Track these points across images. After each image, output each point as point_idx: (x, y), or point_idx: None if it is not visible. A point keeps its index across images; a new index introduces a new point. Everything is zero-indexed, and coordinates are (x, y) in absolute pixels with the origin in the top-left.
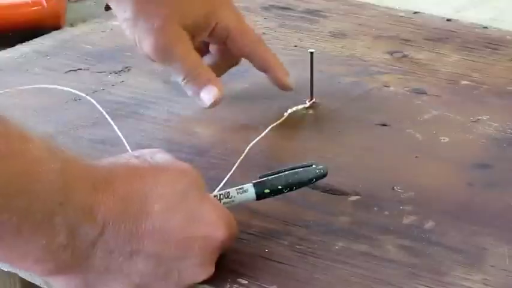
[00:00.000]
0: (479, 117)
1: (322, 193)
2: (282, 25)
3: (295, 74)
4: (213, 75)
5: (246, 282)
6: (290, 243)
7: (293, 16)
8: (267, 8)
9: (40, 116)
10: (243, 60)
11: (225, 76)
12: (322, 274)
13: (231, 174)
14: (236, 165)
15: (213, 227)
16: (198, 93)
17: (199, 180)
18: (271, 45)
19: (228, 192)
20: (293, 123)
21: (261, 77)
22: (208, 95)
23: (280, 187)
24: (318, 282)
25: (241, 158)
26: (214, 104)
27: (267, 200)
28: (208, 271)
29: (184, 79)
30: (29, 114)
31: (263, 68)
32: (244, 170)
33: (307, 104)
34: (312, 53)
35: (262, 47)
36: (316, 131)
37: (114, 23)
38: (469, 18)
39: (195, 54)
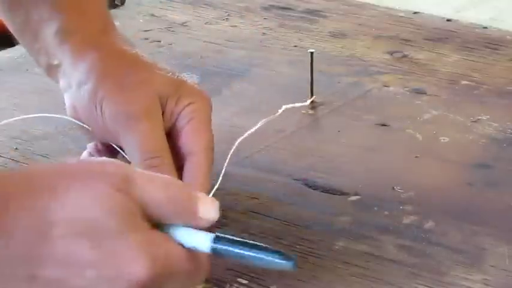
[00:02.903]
0: (479, 117)
1: (322, 193)
2: (282, 25)
3: (295, 74)
4: (174, 171)
5: (246, 282)
6: (290, 243)
7: (293, 16)
8: (267, 8)
9: (40, 116)
10: (243, 60)
11: (225, 76)
12: (322, 274)
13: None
14: (227, 160)
15: (127, 264)
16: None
17: (129, 207)
18: (271, 45)
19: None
20: (293, 123)
21: (261, 77)
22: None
23: (235, 257)
24: (318, 282)
25: (232, 151)
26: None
27: (267, 200)
28: None
29: (139, 163)
30: (29, 114)
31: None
32: (244, 169)
33: (307, 102)
34: (312, 53)
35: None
36: (316, 131)
37: (115, 23)
38: (469, 18)
39: (162, 137)
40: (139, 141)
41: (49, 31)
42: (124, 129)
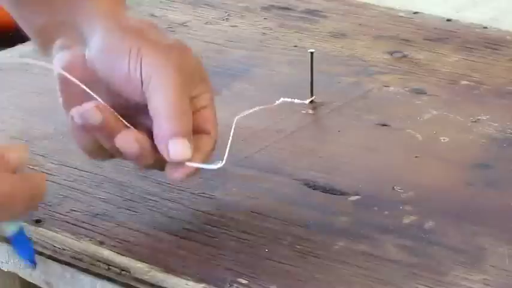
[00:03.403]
0: (479, 117)
1: (322, 193)
2: (282, 25)
3: (295, 74)
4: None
5: (246, 282)
6: (290, 243)
7: (293, 16)
8: (267, 8)
9: (40, 116)
10: (243, 60)
11: (225, 76)
12: (322, 274)
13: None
14: (229, 144)
15: None
16: (165, 140)
17: None
18: (271, 46)
19: None
20: (293, 123)
21: (261, 77)
22: (176, 149)
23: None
24: (318, 282)
25: (232, 133)
26: (178, 160)
27: (267, 200)
28: None
29: (164, 114)
30: (29, 114)
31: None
32: (244, 169)
33: (306, 101)
34: (312, 53)
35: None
36: (316, 131)
37: None
38: (469, 18)
39: (188, 98)
40: (171, 90)
41: None
42: (160, 76)
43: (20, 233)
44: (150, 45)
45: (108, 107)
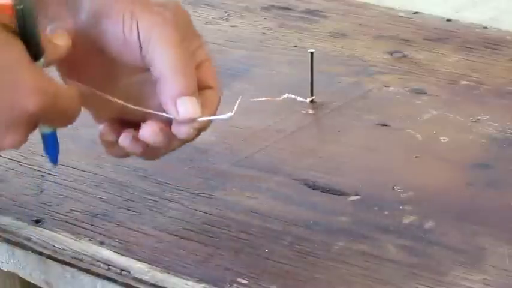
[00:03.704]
0: (479, 117)
1: (322, 193)
2: (282, 25)
3: (295, 74)
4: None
5: (246, 282)
6: (290, 243)
7: (293, 16)
8: (267, 8)
9: None
10: (243, 60)
11: (225, 76)
12: (322, 274)
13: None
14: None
15: (22, 94)
16: (173, 100)
17: (15, 43)
18: (271, 46)
19: None
20: (293, 123)
21: (261, 77)
22: (186, 107)
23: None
24: (318, 282)
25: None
26: (189, 121)
27: (267, 200)
28: (8, 141)
29: (170, 73)
30: None
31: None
32: (244, 169)
33: (307, 100)
34: (312, 53)
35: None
36: (316, 130)
37: None
38: (469, 18)
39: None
40: (173, 50)
41: None
42: (160, 37)
43: (53, 133)
44: (142, 7)
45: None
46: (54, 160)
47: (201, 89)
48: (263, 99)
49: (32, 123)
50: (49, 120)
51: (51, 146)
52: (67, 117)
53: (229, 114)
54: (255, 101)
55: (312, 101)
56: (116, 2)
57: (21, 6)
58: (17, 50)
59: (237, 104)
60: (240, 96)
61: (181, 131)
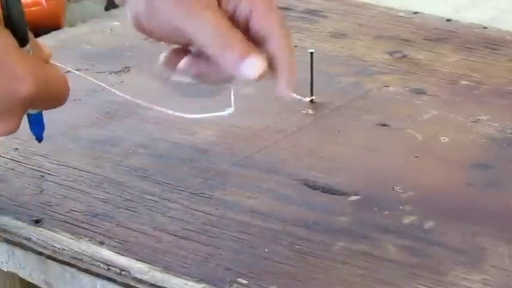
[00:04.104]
0: (479, 117)
1: (322, 193)
2: None
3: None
4: (252, 45)
5: (246, 282)
6: (290, 243)
7: (293, 16)
8: None
9: None
10: None
11: None
12: (322, 274)
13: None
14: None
15: (14, 79)
16: (237, 66)
17: (1, 30)
18: None
19: None
20: (293, 123)
21: None
22: (251, 68)
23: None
24: (318, 282)
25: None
26: (259, 78)
27: (267, 200)
28: (2, 128)
29: (217, 48)
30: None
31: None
32: (244, 169)
33: (307, 99)
34: (312, 53)
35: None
36: (316, 130)
37: (114, 23)
38: (469, 18)
39: (227, 20)
40: (213, 25)
41: None
42: (194, 18)
43: (39, 112)
44: None
45: None
46: (40, 137)
47: (261, 41)
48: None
49: (25, 107)
50: (41, 103)
51: (37, 124)
52: (58, 99)
53: (230, 109)
54: (254, 101)
55: (311, 101)
56: None
57: None
58: (3, 36)
59: (232, 97)
60: (232, 89)
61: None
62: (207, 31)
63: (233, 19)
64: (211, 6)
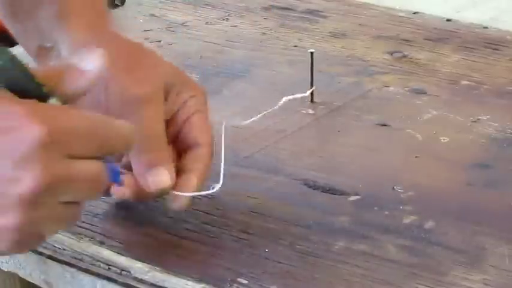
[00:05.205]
0: (479, 117)
1: (322, 193)
2: (282, 25)
3: (295, 74)
4: (167, 158)
5: (246, 282)
6: (290, 243)
7: (293, 16)
8: (267, 8)
9: None
10: (243, 60)
11: (225, 76)
12: (322, 274)
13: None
14: (222, 166)
15: (19, 127)
16: (143, 172)
17: None
18: (271, 46)
19: None
20: (293, 123)
21: (261, 77)
22: (155, 178)
23: None
24: (318, 282)
25: (223, 144)
26: (160, 193)
27: (267, 200)
28: (28, 180)
29: (136, 149)
30: None
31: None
32: (244, 169)
33: (307, 93)
34: (312, 53)
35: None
36: (316, 131)
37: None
38: (469, 18)
39: (163, 124)
40: (143, 125)
41: (46, 12)
42: (128, 111)
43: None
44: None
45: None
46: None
47: (190, 144)
48: (260, 115)
49: (47, 149)
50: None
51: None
52: (88, 195)
53: (217, 186)
54: (254, 101)
55: (311, 99)
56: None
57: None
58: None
59: (221, 172)
60: (222, 164)
61: (172, 206)
62: (138, 128)
63: (175, 116)
64: (155, 100)
